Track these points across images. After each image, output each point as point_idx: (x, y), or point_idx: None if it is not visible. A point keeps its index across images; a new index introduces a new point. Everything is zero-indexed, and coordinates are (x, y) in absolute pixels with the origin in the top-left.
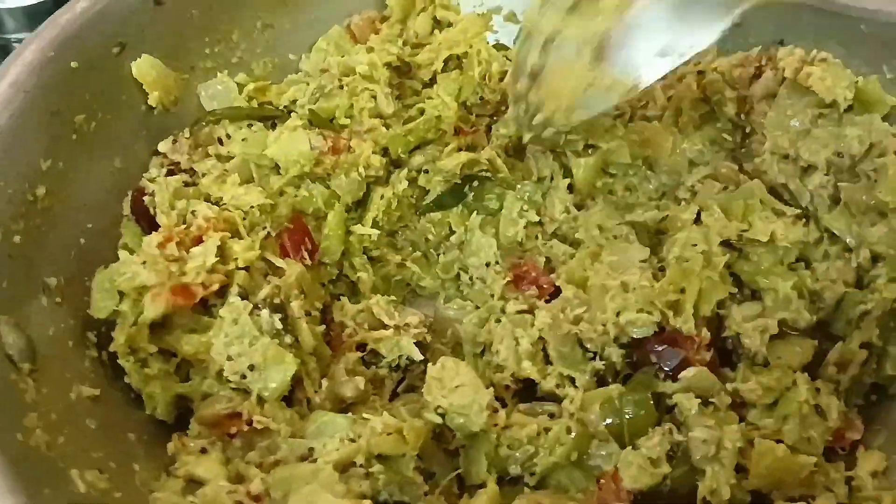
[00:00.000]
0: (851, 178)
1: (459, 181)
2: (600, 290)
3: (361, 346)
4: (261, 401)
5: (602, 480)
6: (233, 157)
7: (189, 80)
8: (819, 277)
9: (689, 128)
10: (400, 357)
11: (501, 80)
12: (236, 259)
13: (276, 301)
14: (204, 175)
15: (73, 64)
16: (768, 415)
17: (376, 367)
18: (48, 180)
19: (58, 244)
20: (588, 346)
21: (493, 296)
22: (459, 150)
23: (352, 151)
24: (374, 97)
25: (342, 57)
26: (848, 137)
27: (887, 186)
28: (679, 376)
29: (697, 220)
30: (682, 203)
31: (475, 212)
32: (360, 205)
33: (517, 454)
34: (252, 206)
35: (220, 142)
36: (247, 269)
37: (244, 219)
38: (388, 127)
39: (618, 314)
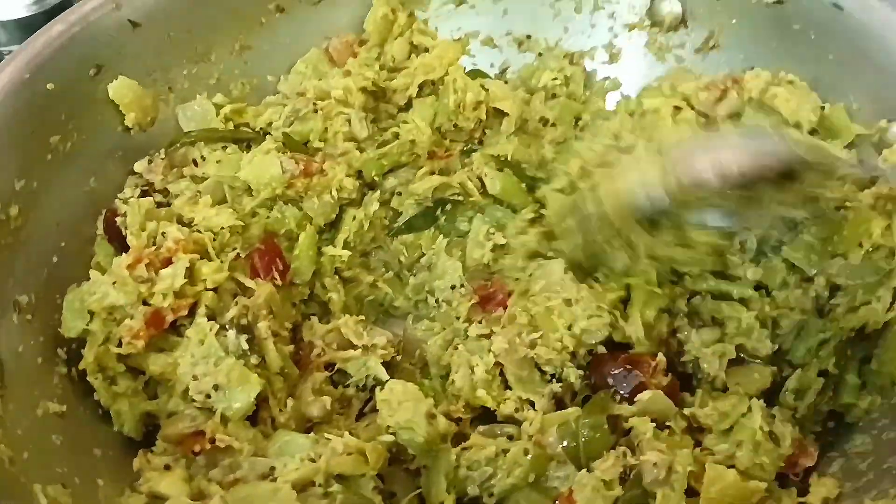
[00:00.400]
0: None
1: (431, 204)
2: (546, 313)
3: (330, 366)
4: (225, 420)
5: (557, 502)
6: (207, 179)
7: (166, 101)
8: (779, 305)
9: None
10: (367, 377)
11: (475, 108)
12: (205, 280)
13: (244, 322)
14: (177, 196)
15: (49, 86)
16: (724, 440)
17: (344, 386)
18: (21, 200)
19: (30, 263)
20: (546, 368)
21: (458, 318)
22: (432, 173)
23: (324, 174)
24: (349, 121)
25: (319, 80)
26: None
27: (842, 236)
28: (635, 399)
29: None
30: None
31: (443, 235)
32: (334, 226)
33: (475, 475)
34: (222, 228)
35: (196, 163)
36: (215, 290)
37: (214, 240)
38: (361, 150)
39: (569, 327)
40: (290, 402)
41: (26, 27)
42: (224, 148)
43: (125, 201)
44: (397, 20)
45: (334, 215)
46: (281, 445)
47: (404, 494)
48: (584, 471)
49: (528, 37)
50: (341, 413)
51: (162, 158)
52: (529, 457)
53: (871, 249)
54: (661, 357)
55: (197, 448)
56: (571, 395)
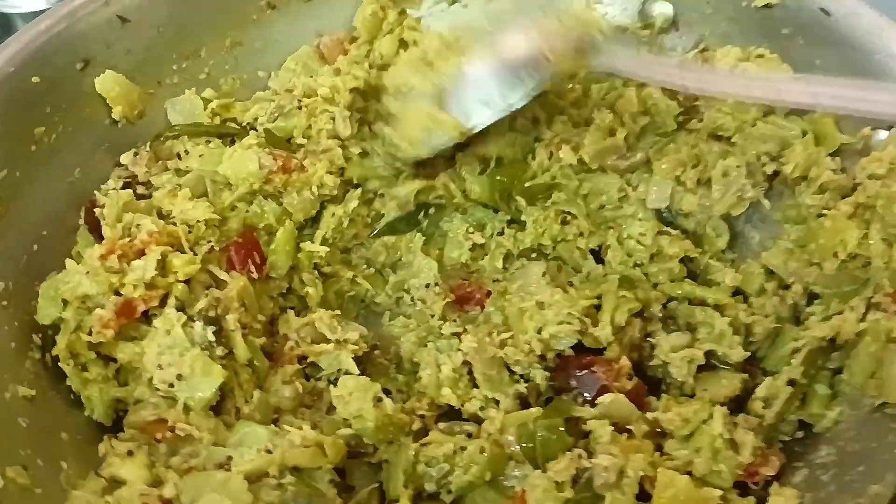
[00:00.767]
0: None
1: (413, 209)
2: (518, 314)
3: (303, 359)
4: (187, 409)
5: (510, 502)
6: (189, 172)
7: (155, 95)
8: (755, 311)
9: (632, 139)
10: (339, 371)
11: None
12: (176, 272)
13: (212, 314)
14: (158, 189)
15: (35, 79)
16: (684, 446)
17: (315, 379)
18: (3, 189)
19: (8, 251)
20: (515, 368)
21: (433, 316)
22: (416, 177)
23: (304, 171)
24: (333, 119)
25: (309, 77)
26: (789, 130)
27: (819, 244)
28: (596, 402)
29: None
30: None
31: (425, 235)
32: (314, 221)
33: (433, 471)
34: (198, 221)
35: (180, 157)
36: (187, 282)
37: (189, 232)
38: (344, 148)
39: (539, 331)
40: (256, 393)
41: None
42: (208, 142)
43: (106, 193)
44: (387, 17)
45: (314, 211)
46: (241, 436)
47: (364, 488)
48: (538, 471)
49: None
50: (310, 406)
51: (147, 151)
52: (485, 455)
53: (846, 259)
54: (624, 360)
55: (159, 435)
56: (536, 396)
